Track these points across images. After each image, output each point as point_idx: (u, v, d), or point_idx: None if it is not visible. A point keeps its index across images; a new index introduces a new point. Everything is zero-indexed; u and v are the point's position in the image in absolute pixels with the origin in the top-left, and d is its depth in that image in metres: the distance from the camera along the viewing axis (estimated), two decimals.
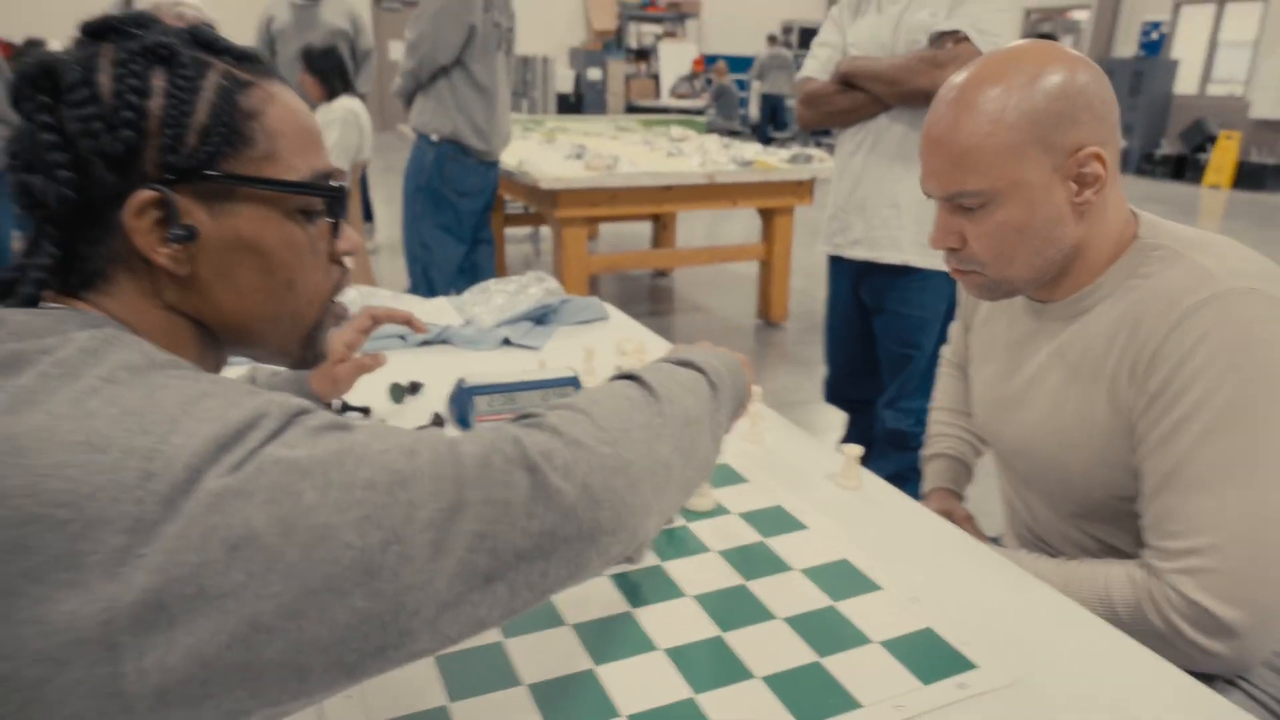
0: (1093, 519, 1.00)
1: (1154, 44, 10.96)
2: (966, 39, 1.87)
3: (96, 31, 0.61)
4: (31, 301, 0.58)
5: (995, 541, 1.18)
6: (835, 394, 2.43)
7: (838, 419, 2.51)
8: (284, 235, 0.64)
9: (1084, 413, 0.95)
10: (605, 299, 1.83)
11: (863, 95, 2.03)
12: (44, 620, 0.45)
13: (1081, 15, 12.15)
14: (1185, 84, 10.96)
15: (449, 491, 0.52)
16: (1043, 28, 12.38)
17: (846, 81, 2.05)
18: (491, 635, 0.77)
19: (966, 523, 1.23)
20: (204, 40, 0.63)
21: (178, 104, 0.59)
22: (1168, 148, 10.84)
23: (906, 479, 2.03)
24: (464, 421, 1.20)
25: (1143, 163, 10.80)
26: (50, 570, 0.45)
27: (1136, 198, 9.86)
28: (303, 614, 0.48)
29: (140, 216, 0.58)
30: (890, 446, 2.17)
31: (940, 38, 1.91)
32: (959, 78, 0.91)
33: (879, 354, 2.23)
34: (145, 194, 0.58)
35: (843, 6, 2.16)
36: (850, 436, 2.44)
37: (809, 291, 4.84)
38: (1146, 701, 0.71)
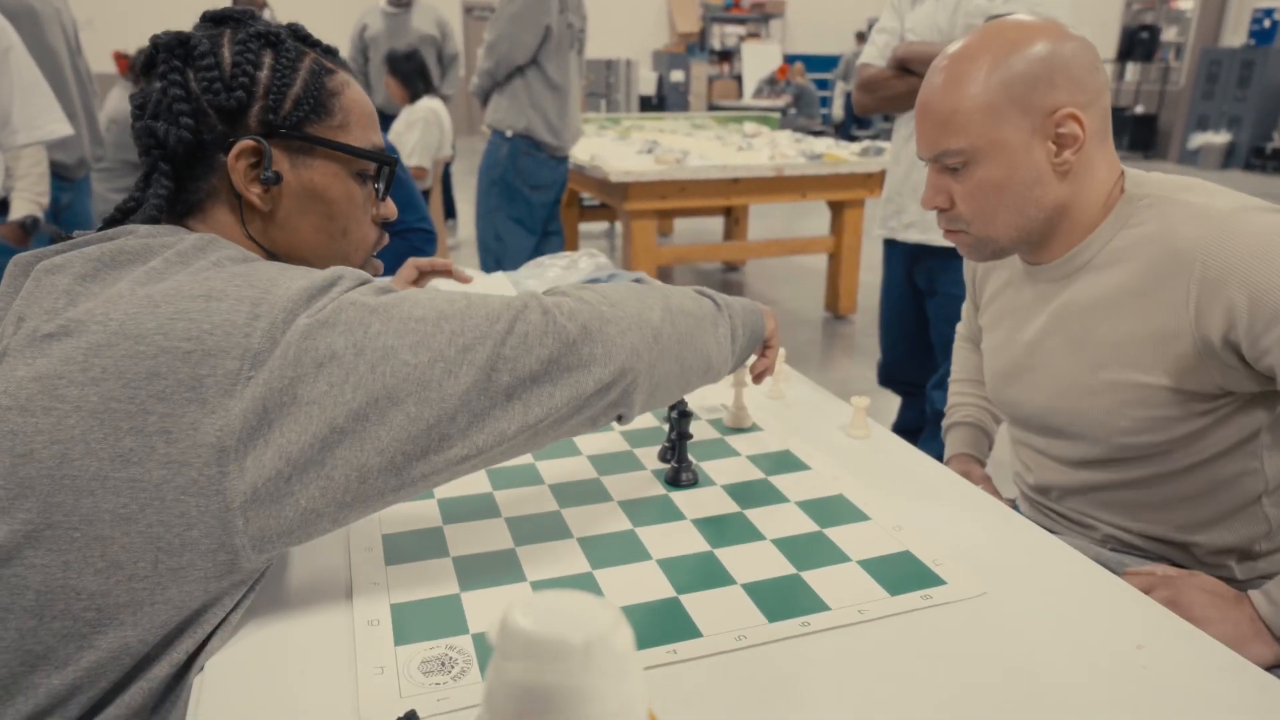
0: (1103, 465, 1.02)
1: (1266, 32, 10.37)
2: None
3: (217, 19, 0.79)
4: (154, 221, 0.75)
5: (1013, 504, 1.21)
6: (888, 377, 2.45)
7: (895, 404, 2.53)
8: (345, 190, 0.81)
9: (1108, 361, 0.96)
10: None
11: (919, 80, 2.05)
12: (170, 430, 0.60)
13: (1187, 4, 11.61)
14: None
15: (481, 324, 0.68)
16: (1145, 18, 11.86)
17: (903, 66, 2.08)
18: (504, 542, 0.86)
19: (984, 483, 1.26)
20: (301, 34, 0.81)
21: (281, 76, 0.76)
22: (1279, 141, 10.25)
23: None
24: None
25: (1252, 157, 10.20)
26: (176, 390, 0.60)
27: (1246, 193, 9.37)
28: (368, 417, 0.63)
29: (239, 159, 0.75)
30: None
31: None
32: (950, 49, 0.97)
33: (932, 336, 2.24)
34: (247, 142, 0.74)
35: None
36: (902, 419, 2.46)
37: (878, 285, 4.80)
38: (1102, 616, 0.76)
